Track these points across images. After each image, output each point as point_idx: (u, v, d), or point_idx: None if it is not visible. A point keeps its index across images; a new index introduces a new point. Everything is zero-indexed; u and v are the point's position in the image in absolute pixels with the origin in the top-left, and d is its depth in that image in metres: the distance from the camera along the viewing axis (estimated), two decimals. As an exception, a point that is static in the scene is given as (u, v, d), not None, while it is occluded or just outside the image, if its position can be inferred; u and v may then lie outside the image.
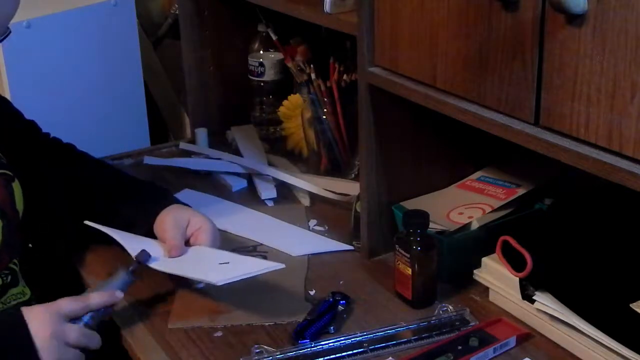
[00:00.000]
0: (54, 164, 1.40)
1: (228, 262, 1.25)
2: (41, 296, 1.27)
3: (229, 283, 1.19)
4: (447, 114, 1.12)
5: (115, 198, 1.38)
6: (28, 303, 1.24)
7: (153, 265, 1.25)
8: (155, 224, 1.32)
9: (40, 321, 1.10)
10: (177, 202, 1.37)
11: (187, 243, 1.30)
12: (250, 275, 1.21)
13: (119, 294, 1.18)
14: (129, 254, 1.25)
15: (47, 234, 1.39)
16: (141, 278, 1.26)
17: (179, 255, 1.26)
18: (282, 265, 1.23)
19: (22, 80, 1.65)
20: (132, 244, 1.28)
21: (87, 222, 1.32)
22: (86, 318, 1.15)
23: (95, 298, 1.16)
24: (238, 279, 1.19)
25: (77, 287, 1.35)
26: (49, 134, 1.46)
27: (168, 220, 1.30)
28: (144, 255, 1.24)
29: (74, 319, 1.14)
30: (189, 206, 1.37)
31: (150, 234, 1.33)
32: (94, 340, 1.15)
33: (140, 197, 1.39)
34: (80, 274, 1.37)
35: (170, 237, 1.28)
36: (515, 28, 0.98)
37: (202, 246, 1.29)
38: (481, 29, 1.03)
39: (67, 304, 1.14)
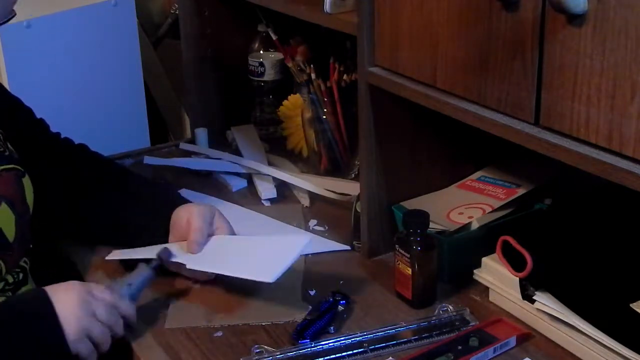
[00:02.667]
0: (59, 163, 1.40)
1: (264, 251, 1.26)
2: None
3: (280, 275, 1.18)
4: (447, 114, 1.12)
5: (126, 197, 1.37)
6: None
7: (191, 266, 1.25)
8: (177, 217, 1.30)
9: (67, 290, 1.11)
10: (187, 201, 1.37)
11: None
12: (295, 258, 1.21)
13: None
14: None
15: (47, 233, 1.39)
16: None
17: (198, 252, 1.26)
18: (309, 238, 1.27)
19: (22, 80, 1.65)
20: (152, 251, 1.27)
21: (108, 258, 1.33)
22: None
23: (126, 307, 1.16)
24: (286, 268, 1.19)
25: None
26: (59, 133, 1.46)
27: (196, 212, 1.29)
28: (166, 252, 1.24)
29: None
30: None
31: (165, 231, 1.32)
32: (119, 325, 1.14)
33: (155, 193, 1.38)
34: (80, 273, 1.37)
35: (196, 229, 1.26)
36: (515, 28, 0.98)
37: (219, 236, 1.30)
38: (481, 29, 1.03)
39: (99, 288, 1.14)
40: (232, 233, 1.31)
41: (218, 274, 1.27)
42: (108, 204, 1.37)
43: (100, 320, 1.11)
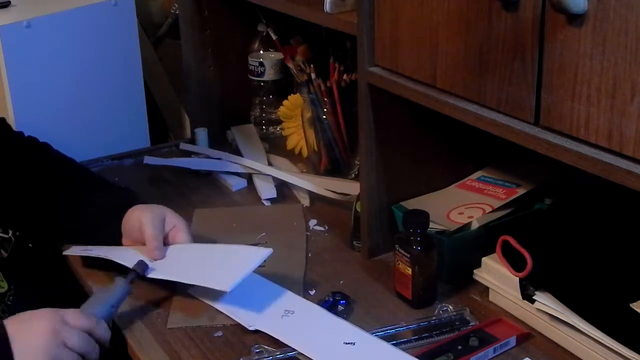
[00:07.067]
0: (23, 161, 1.40)
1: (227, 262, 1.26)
2: (22, 290, 1.27)
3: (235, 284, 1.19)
4: (447, 114, 1.12)
5: (83, 195, 1.37)
6: (5, 296, 1.25)
7: (151, 275, 1.25)
8: (127, 221, 1.31)
9: (37, 319, 1.08)
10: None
11: (165, 241, 1.31)
12: (252, 269, 1.22)
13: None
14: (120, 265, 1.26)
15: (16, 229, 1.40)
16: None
17: (162, 258, 1.27)
18: (270, 250, 1.24)
19: (22, 80, 1.65)
20: (122, 256, 1.28)
21: (65, 253, 1.34)
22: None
23: (102, 333, 1.13)
24: (242, 278, 1.20)
25: (57, 282, 1.37)
26: (22, 132, 1.46)
27: (145, 217, 1.29)
28: (142, 265, 1.24)
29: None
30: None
31: (118, 232, 1.32)
32: (95, 351, 1.12)
33: (109, 194, 1.39)
34: (75, 273, 1.38)
35: (150, 237, 1.27)
36: (515, 28, 0.98)
37: (184, 244, 1.31)
38: (481, 29, 1.03)
39: (73, 315, 1.11)
40: (187, 229, 1.32)
41: (178, 282, 1.27)
42: (63, 202, 1.37)
43: (71, 349, 1.08)
